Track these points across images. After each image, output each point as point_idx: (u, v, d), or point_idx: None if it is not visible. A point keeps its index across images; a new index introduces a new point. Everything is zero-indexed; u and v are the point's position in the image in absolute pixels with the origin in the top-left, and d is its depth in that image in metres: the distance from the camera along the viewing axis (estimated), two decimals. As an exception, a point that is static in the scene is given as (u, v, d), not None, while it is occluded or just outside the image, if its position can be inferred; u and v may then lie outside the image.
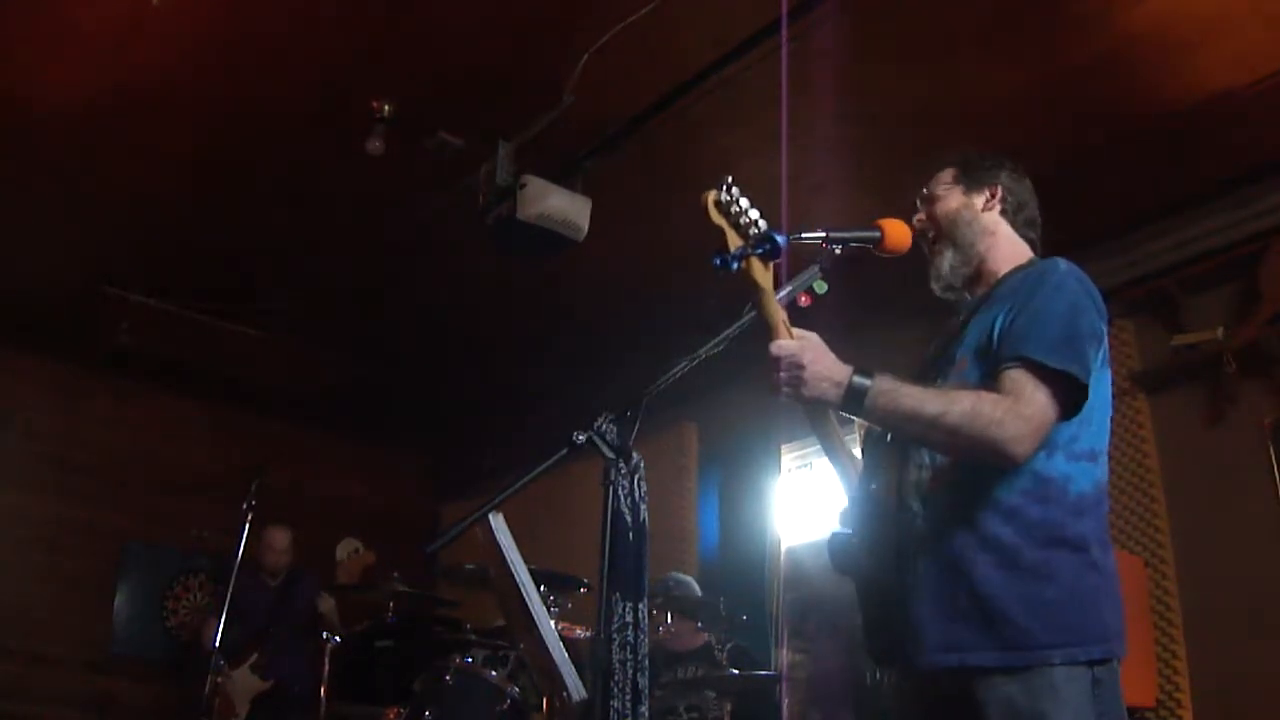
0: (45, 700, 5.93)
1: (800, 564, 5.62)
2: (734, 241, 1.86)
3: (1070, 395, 1.84)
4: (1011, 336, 1.89)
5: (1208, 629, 4.05)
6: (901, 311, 5.05)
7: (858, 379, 1.83)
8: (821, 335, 1.92)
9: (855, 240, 2.00)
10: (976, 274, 2.14)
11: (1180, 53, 3.59)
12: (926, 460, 1.97)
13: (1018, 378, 1.83)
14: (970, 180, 2.18)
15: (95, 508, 6.39)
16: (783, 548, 5.70)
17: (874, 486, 2.06)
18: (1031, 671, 1.78)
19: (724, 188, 1.86)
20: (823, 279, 1.96)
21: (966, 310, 2.12)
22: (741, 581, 5.48)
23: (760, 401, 5.70)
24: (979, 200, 2.16)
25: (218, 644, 4.58)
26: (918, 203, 2.20)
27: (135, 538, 6.53)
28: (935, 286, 2.17)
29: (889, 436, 2.06)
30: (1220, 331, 4.21)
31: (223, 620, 4.58)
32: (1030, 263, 2.10)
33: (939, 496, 1.93)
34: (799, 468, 5.88)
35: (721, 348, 1.91)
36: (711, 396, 5.76)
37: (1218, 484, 4.17)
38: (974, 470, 1.89)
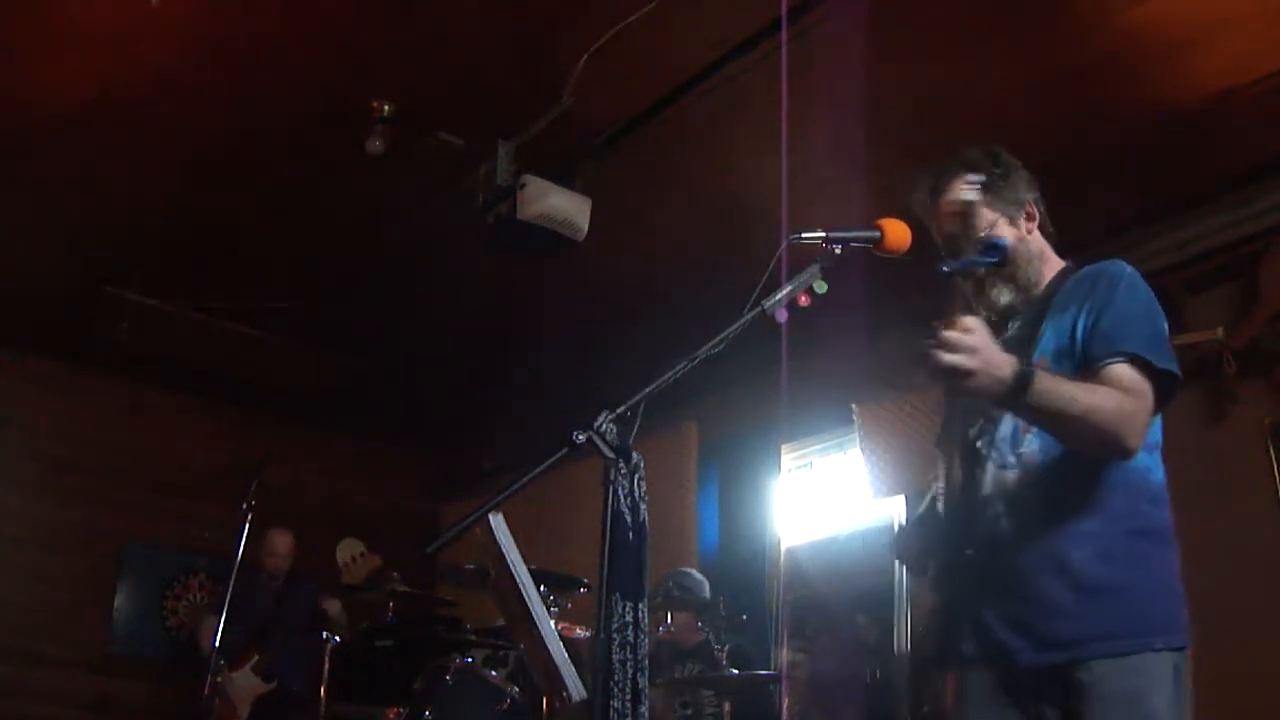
0: (45, 700, 5.93)
1: (800, 564, 5.62)
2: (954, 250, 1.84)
3: (1167, 390, 1.91)
4: (1103, 335, 1.93)
5: (1207, 629, 4.03)
6: (908, 310, 5.06)
7: (1023, 371, 1.80)
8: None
9: (855, 240, 1.99)
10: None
11: (1180, 53, 3.59)
12: (1011, 460, 2.00)
13: (1128, 374, 1.88)
14: (1006, 206, 2.13)
15: (95, 508, 6.39)
16: (783, 548, 5.71)
17: (952, 488, 2.08)
18: (1132, 657, 1.85)
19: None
20: (823, 279, 1.95)
21: (1023, 317, 2.12)
22: (741, 581, 5.48)
23: (760, 401, 5.75)
24: (1023, 226, 2.14)
25: (218, 644, 4.58)
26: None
27: (135, 538, 6.52)
28: (982, 314, 2.12)
29: (970, 438, 2.06)
30: (1220, 331, 4.21)
31: (222, 621, 4.58)
32: (1076, 265, 2.12)
33: (1029, 494, 1.97)
34: (799, 468, 5.89)
35: (721, 348, 1.90)
36: (711, 396, 5.76)
37: (1218, 484, 4.17)
38: (1067, 467, 1.94)
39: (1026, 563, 1.93)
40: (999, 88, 3.78)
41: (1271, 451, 4.06)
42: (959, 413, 2.19)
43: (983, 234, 1.87)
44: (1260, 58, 3.59)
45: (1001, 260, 1.87)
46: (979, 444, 2.06)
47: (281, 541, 5.65)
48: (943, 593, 2.08)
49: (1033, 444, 1.99)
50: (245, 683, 5.28)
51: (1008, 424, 2.02)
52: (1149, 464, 1.98)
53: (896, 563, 5.12)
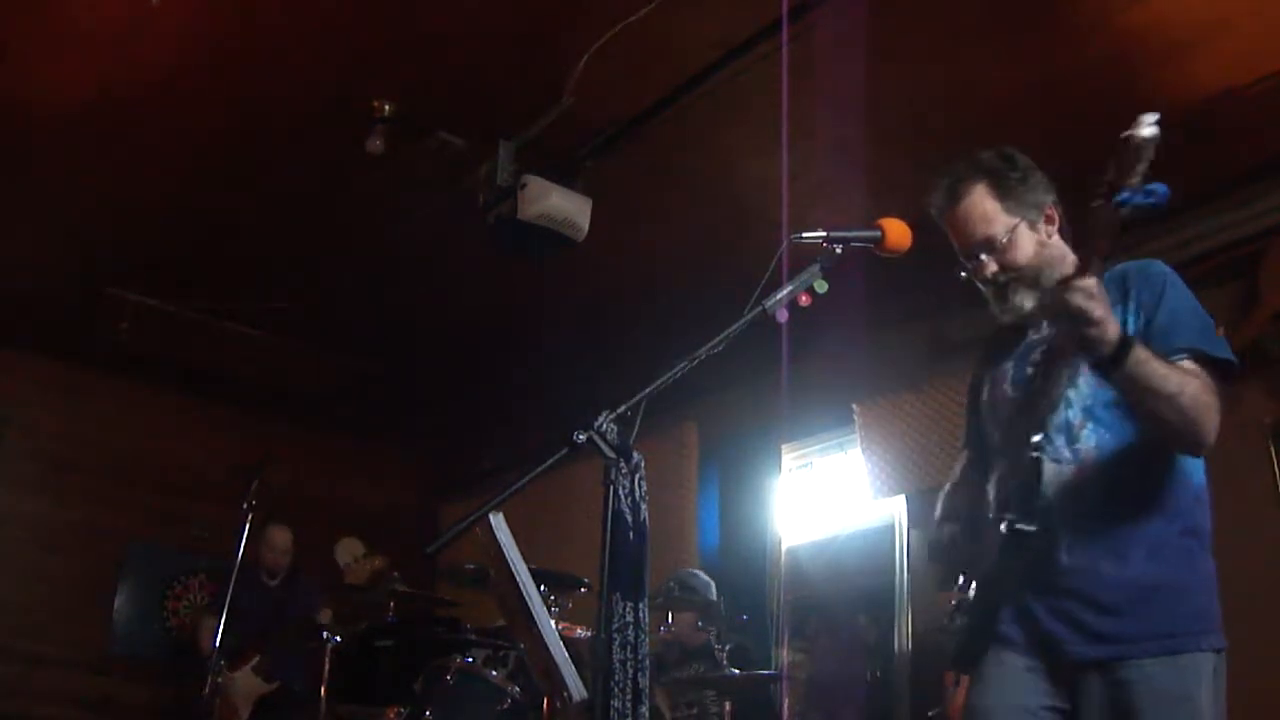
0: (45, 700, 5.93)
1: (800, 564, 5.63)
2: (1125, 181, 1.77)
3: (1226, 382, 1.93)
4: (1161, 333, 1.95)
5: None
6: (906, 311, 5.07)
7: (1129, 338, 1.83)
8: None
9: (856, 240, 1.99)
10: None
11: (1180, 53, 3.59)
12: (1067, 455, 2.01)
13: (1197, 370, 1.91)
14: (1025, 210, 2.11)
15: (95, 508, 6.39)
16: (783, 548, 5.71)
17: (993, 478, 2.09)
18: (1180, 655, 1.88)
19: (1156, 123, 1.73)
20: (823, 278, 1.95)
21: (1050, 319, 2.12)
22: (741, 581, 5.48)
23: (760, 401, 5.75)
24: (1043, 230, 2.13)
25: (218, 645, 4.58)
26: (981, 255, 2.12)
27: (135, 538, 6.52)
28: (1005, 318, 2.15)
29: (1019, 428, 2.05)
30: (1220, 331, 4.21)
31: (222, 621, 4.58)
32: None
33: (1085, 490, 1.98)
34: (799, 468, 5.89)
35: (721, 348, 1.90)
36: (711, 396, 5.76)
37: (1218, 484, 4.16)
38: (1123, 464, 1.97)
39: (1080, 557, 1.96)
40: (999, 88, 3.78)
41: (1272, 451, 4.06)
42: (1004, 406, 2.16)
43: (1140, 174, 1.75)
44: (1260, 58, 3.59)
45: (1158, 204, 1.79)
46: (1035, 438, 2.04)
47: (280, 537, 5.65)
48: (981, 579, 2.06)
49: (1089, 439, 2.01)
50: (246, 683, 5.28)
51: (1063, 419, 2.03)
52: (1193, 466, 2.02)
53: (897, 563, 5.12)
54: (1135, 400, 1.90)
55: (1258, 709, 3.83)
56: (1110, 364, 1.83)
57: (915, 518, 5.12)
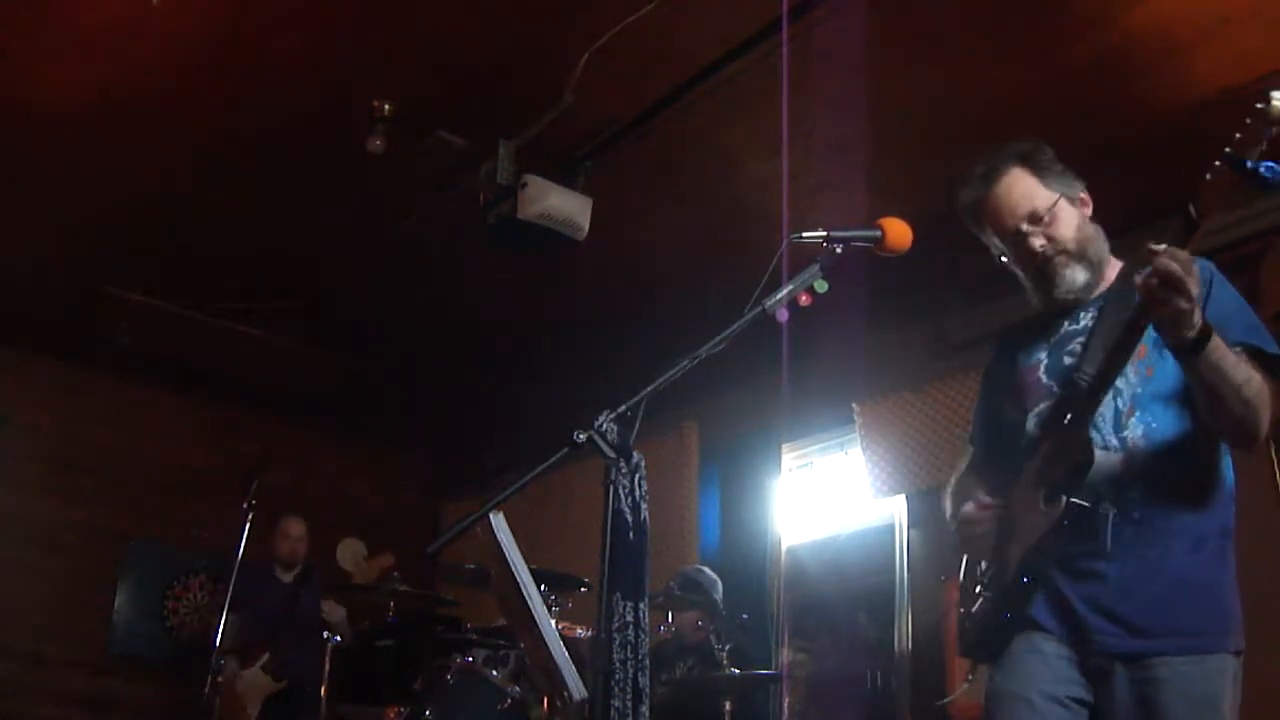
0: (45, 700, 5.93)
1: (800, 564, 5.63)
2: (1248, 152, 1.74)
3: (1273, 381, 1.91)
4: (1214, 328, 1.89)
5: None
6: (906, 311, 5.06)
7: (1210, 325, 1.80)
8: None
9: (857, 240, 2.00)
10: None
11: (1180, 53, 3.59)
12: (1114, 442, 1.98)
13: (1254, 367, 1.89)
14: (1064, 187, 2.13)
15: (95, 508, 6.39)
16: (783, 547, 5.71)
17: (1028, 465, 2.06)
18: (1209, 656, 1.89)
19: None
20: (823, 278, 1.95)
21: (1097, 306, 2.11)
22: (742, 581, 5.48)
23: (760, 401, 5.76)
24: (1082, 209, 2.14)
25: (218, 644, 4.57)
26: (1023, 227, 2.11)
27: (136, 537, 6.52)
28: (1058, 294, 2.11)
29: (1068, 412, 2.02)
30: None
31: (224, 620, 4.57)
32: (1131, 265, 2.10)
33: (1130, 479, 1.96)
34: (799, 467, 5.89)
35: (721, 347, 1.90)
36: (711, 396, 5.76)
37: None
38: (1170, 455, 1.95)
39: (1123, 545, 1.93)
40: (999, 88, 3.78)
41: (1272, 451, 4.05)
42: (1039, 394, 2.13)
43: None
44: (1260, 58, 3.59)
45: (1275, 178, 1.74)
46: (1087, 423, 2.01)
47: (295, 527, 5.67)
48: (1017, 558, 2.04)
49: (1137, 428, 1.98)
50: (256, 681, 5.26)
51: (1111, 407, 2.01)
52: (1227, 466, 2.02)
53: (897, 562, 5.13)
54: (1205, 390, 1.86)
55: (1258, 710, 3.82)
56: (1193, 346, 1.78)
57: (915, 517, 5.12)
